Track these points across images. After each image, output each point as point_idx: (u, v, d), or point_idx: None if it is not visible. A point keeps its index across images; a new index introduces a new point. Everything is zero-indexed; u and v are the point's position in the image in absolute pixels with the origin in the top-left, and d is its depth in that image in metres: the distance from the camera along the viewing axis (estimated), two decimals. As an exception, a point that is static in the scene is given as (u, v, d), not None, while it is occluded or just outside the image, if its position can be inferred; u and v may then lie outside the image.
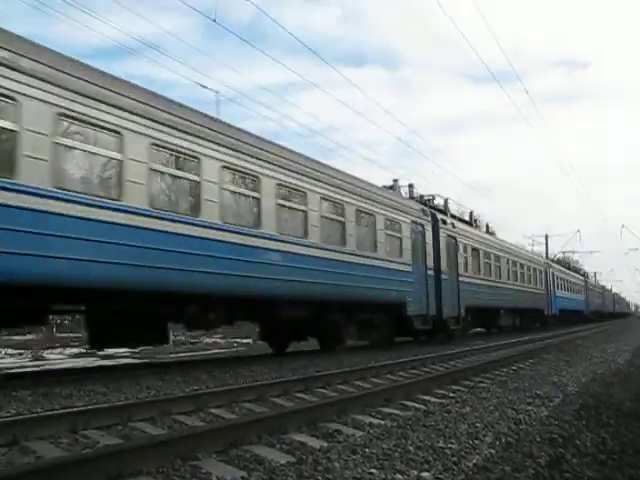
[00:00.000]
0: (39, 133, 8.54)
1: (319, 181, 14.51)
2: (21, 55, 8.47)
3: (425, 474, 4.29)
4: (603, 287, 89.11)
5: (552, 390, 8.65)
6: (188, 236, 10.65)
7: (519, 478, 4.27)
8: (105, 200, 9.40)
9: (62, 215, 8.70)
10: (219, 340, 26.82)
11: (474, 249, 25.45)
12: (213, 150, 11.37)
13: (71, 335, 27.91)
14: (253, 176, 12.46)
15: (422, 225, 20.18)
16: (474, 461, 4.69)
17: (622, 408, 7.32)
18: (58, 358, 17.31)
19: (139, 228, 9.76)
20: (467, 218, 29.79)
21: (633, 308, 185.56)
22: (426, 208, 21.48)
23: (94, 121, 9.28)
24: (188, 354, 18.83)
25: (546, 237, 65.68)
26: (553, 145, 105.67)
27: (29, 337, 26.49)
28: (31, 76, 8.49)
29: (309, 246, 13.82)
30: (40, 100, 8.56)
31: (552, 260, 56.05)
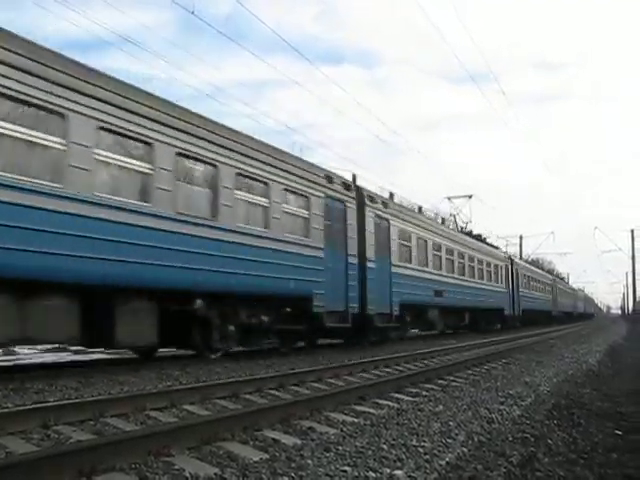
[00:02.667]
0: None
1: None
2: None
3: (398, 472, 4.30)
4: (573, 287, 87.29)
5: (524, 390, 8.74)
6: None
7: (491, 477, 4.30)
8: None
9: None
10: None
11: (415, 236, 21.56)
12: None
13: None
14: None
15: (342, 202, 16.44)
16: (447, 459, 4.72)
17: (593, 408, 7.40)
18: (30, 353, 17.09)
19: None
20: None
21: (605, 309, 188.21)
22: (350, 182, 17.54)
23: None
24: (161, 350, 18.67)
25: (520, 238, 66.35)
26: (529, 147, 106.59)
27: None
28: None
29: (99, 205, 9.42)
30: None
31: (525, 261, 56.05)
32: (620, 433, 6.03)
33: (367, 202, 17.80)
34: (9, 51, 8.46)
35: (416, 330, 24.67)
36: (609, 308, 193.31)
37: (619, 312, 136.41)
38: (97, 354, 16.07)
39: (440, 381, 9.59)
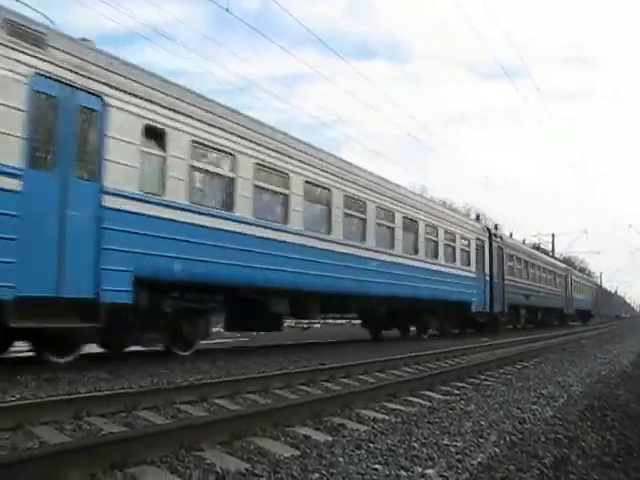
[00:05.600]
0: None
1: None
2: None
3: (429, 471, 4.26)
4: (594, 281, 74.00)
5: (557, 390, 8.62)
6: None
7: (524, 478, 4.24)
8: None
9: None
10: (221, 330, 26.78)
11: (214, 151, 11.59)
12: None
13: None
14: None
15: None
16: (478, 459, 4.66)
17: (627, 410, 7.28)
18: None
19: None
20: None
21: (638, 309, 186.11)
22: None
23: None
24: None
25: (552, 236, 65.52)
26: (562, 143, 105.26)
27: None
28: None
29: None
30: None
31: (557, 259, 54.87)
32: (656, 436, 5.93)
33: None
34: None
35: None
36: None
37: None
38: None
39: (472, 379, 9.51)
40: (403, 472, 4.22)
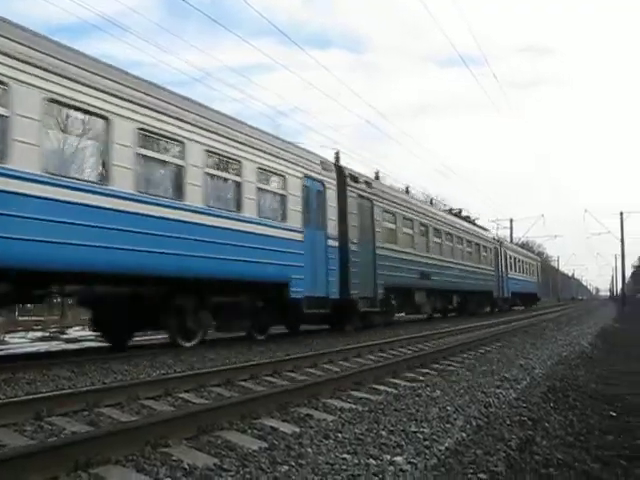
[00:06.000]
0: None
1: None
2: None
3: (398, 458, 4.27)
4: (535, 257, 57.48)
5: (520, 373, 8.73)
6: None
7: (491, 461, 4.27)
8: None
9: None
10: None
11: None
12: None
13: (34, 319, 27.47)
14: None
15: None
16: (446, 445, 4.69)
17: (588, 390, 7.44)
18: (21, 342, 16.99)
19: None
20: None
21: (594, 292, 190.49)
22: None
23: None
24: (153, 337, 18.60)
25: (510, 221, 66.32)
26: (519, 130, 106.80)
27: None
28: None
29: None
30: None
31: (516, 244, 55.25)
32: (615, 415, 6.08)
33: None
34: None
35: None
36: (598, 290, 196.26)
37: (607, 294, 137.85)
38: (88, 342, 16.02)
39: (436, 365, 9.57)
40: (372, 460, 4.21)
